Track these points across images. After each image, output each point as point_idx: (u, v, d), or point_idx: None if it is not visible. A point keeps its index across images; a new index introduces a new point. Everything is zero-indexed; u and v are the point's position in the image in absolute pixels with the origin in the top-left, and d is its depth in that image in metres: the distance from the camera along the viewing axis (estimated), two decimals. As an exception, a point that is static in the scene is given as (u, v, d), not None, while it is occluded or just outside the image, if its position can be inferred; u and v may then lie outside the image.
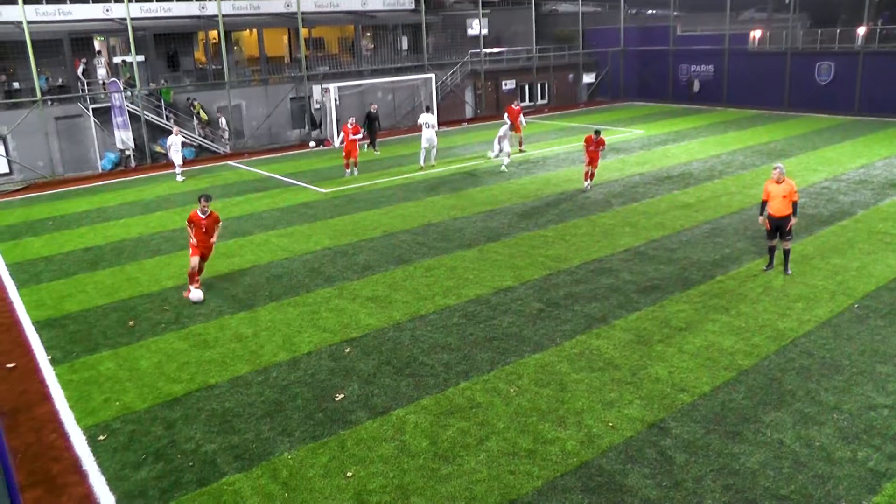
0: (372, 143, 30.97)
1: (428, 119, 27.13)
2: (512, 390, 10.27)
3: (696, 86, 45.26)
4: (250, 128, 35.33)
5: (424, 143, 26.91)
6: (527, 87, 45.97)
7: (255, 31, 39.08)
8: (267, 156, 32.66)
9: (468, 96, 43.18)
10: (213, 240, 14.70)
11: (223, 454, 9.00)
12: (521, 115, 29.72)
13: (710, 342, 11.64)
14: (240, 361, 11.58)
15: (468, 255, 16.44)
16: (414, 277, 15.11)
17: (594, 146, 21.68)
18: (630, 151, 29.32)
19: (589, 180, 22.33)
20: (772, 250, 14.67)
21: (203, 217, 14.26)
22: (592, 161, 21.89)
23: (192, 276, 14.45)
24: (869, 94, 37.60)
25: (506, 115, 29.56)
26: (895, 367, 10.64)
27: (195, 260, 14.35)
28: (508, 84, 44.80)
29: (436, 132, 27.48)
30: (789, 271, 14.43)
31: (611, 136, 32.85)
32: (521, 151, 29.54)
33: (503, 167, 25.42)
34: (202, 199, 14.31)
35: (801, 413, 9.50)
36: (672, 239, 17.24)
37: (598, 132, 21.68)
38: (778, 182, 13.92)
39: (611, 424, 9.30)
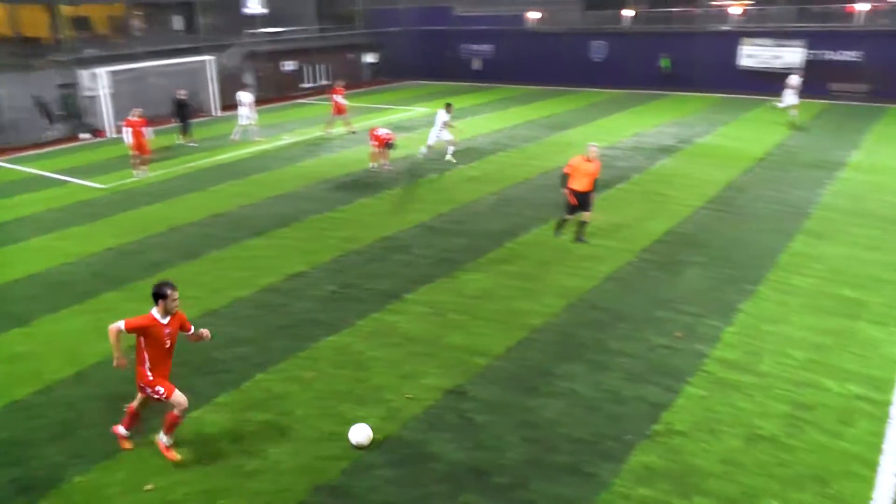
0: (185, 131, 29.23)
1: (241, 97, 28.63)
2: (310, 376, 10.26)
3: (477, 64, 47.29)
4: (10, 120, 31.96)
5: (241, 121, 28.62)
6: (308, 69, 45.54)
7: (4, 6, 35.27)
8: (33, 151, 29.76)
9: (248, 78, 42.03)
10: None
11: (5, 489, 8.16)
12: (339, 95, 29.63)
13: (504, 306, 12.32)
14: (17, 384, 10.45)
15: (258, 244, 16.15)
16: (204, 271, 14.60)
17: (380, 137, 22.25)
18: (415, 129, 29.91)
19: (375, 162, 22.67)
20: (565, 221, 15.59)
21: (165, 322, 8.41)
22: (380, 144, 22.25)
23: (136, 417, 8.93)
24: (638, 70, 41.63)
25: (335, 97, 29.14)
26: (670, 311, 11.99)
27: (180, 398, 8.57)
28: (289, 65, 44.16)
29: (252, 109, 28.69)
30: (585, 240, 15.36)
31: (395, 115, 33.56)
32: (328, 133, 29.30)
33: (449, 157, 23.87)
34: (168, 290, 8.31)
35: (592, 362, 10.39)
36: (461, 211, 17.97)
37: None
38: (590, 161, 14.88)
39: (410, 396, 9.60)
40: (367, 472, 8.12)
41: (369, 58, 49.69)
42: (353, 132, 29.31)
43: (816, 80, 35.73)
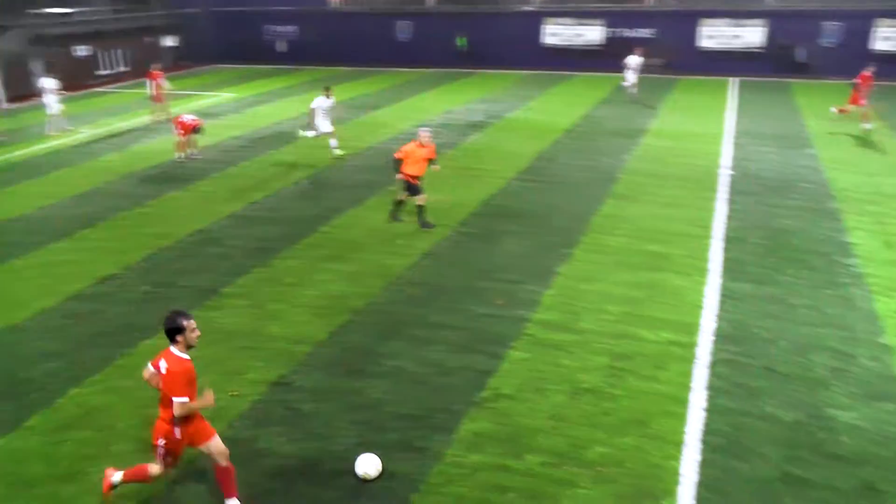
0: None
1: (45, 83, 26.63)
2: (129, 384, 9.63)
3: (282, 46, 46.70)
4: None
5: (50, 110, 26.59)
6: (104, 54, 42.63)
7: None
8: None
9: (36, 66, 38.70)
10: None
11: None
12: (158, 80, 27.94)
13: (323, 291, 12.22)
14: None
15: (63, 247, 14.97)
16: (2, 283, 13.33)
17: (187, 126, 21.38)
18: (222, 115, 29.12)
19: (181, 152, 21.71)
20: (401, 203, 15.50)
21: (189, 358, 7.12)
22: (185, 132, 21.36)
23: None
24: (445, 50, 42.71)
25: (155, 81, 27.47)
26: (490, 281, 12.40)
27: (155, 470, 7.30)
28: (82, 50, 41.16)
29: (56, 98, 26.48)
30: (430, 224, 15.27)
31: (201, 102, 32.34)
32: (169, 115, 27.46)
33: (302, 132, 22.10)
34: (184, 321, 6.97)
35: (415, 337, 10.53)
36: (274, 198, 17.64)
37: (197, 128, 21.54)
38: (423, 146, 14.93)
39: (235, 393, 9.30)
40: (196, 478, 7.79)
41: (169, 41, 47.38)
42: (158, 122, 27.85)
43: (616, 56, 38.35)
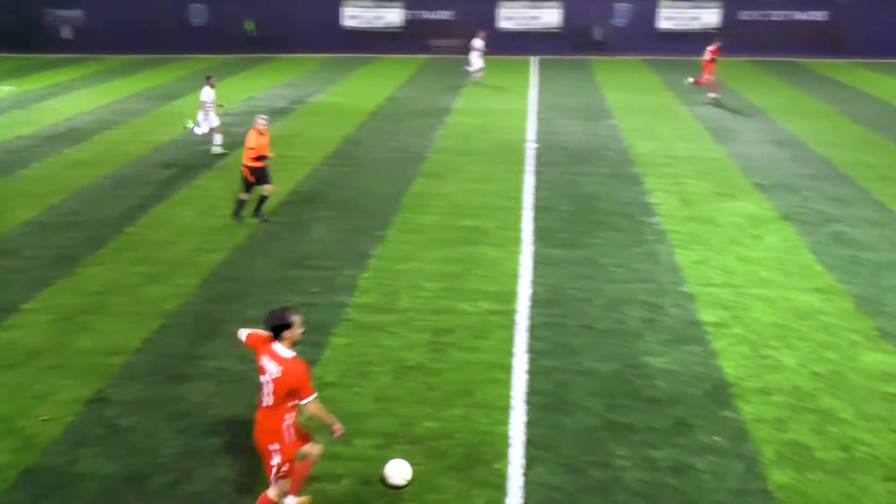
0: None
1: None
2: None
3: (67, 32, 43.74)
4: None
5: None
6: None
7: None
8: None
9: None
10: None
11: None
12: None
13: (133, 297, 11.67)
14: None
15: None
16: None
17: None
18: (2, 112, 26.81)
19: None
20: (243, 202, 14.89)
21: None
22: None
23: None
24: (243, 34, 41.82)
25: None
26: (304, 269, 12.44)
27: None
28: None
29: None
30: (266, 217, 14.85)
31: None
32: None
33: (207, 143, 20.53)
34: (294, 317, 6.46)
35: (233, 335, 9.96)
36: (73, 201, 16.51)
37: None
38: (262, 134, 14.41)
39: (45, 418, 8.65)
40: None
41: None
42: None
43: (417, 37, 39.14)
